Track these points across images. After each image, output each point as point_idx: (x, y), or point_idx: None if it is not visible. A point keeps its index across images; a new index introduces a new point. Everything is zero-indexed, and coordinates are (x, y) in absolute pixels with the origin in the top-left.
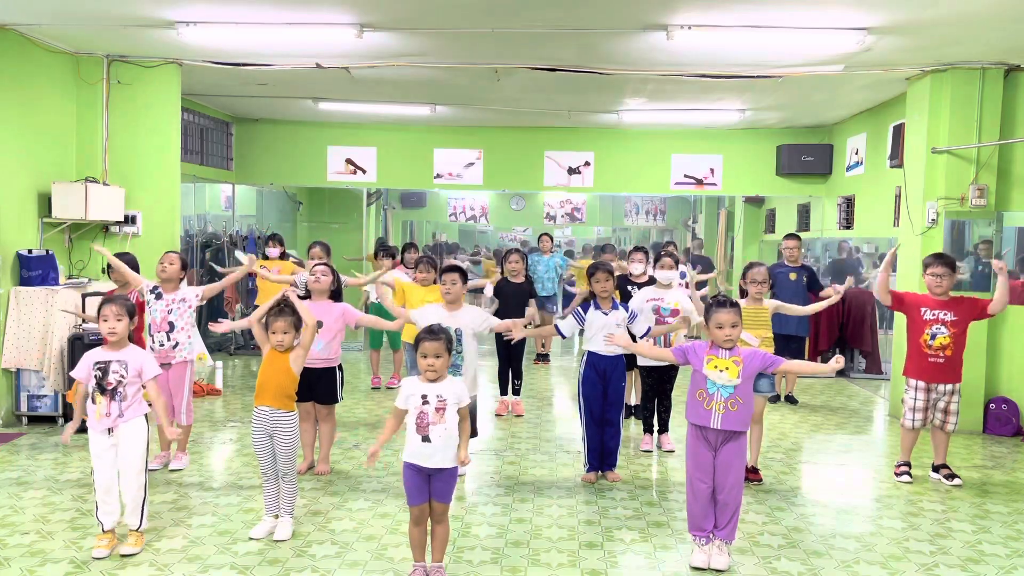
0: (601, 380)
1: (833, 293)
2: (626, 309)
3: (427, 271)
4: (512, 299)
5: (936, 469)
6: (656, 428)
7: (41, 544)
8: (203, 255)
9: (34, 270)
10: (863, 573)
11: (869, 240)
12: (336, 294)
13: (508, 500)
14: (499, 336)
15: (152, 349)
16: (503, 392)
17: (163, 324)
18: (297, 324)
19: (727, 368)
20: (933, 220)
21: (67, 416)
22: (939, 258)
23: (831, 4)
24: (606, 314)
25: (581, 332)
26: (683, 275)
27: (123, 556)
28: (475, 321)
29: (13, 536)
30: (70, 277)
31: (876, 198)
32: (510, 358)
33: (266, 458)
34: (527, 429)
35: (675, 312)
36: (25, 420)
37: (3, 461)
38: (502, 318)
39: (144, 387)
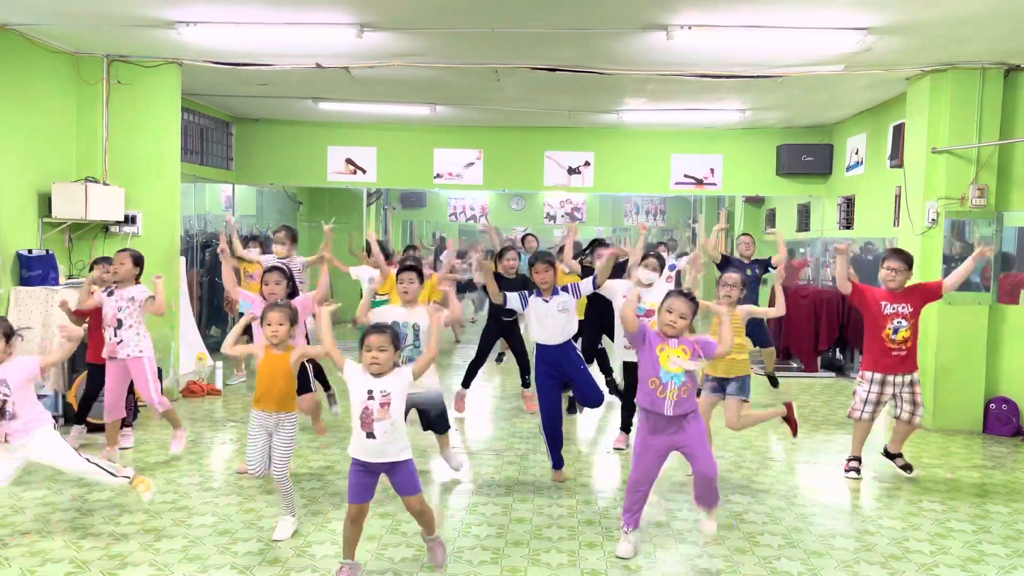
0: (557, 374)
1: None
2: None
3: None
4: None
5: (892, 457)
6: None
7: (41, 544)
8: (203, 255)
9: (34, 270)
10: (863, 573)
11: (869, 240)
12: (291, 294)
13: (508, 500)
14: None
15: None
16: (465, 385)
17: (112, 320)
18: (293, 317)
19: (679, 355)
20: (933, 220)
21: (67, 416)
22: (896, 253)
23: (831, 4)
24: (546, 301)
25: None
26: (672, 267)
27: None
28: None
29: (13, 536)
30: (70, 277)
31: (876, 198)
32: (515, 351)
33: (257, 458)
34: (527, 429)
35: (649, 313)
36: None
37: None
38: (493, 311)
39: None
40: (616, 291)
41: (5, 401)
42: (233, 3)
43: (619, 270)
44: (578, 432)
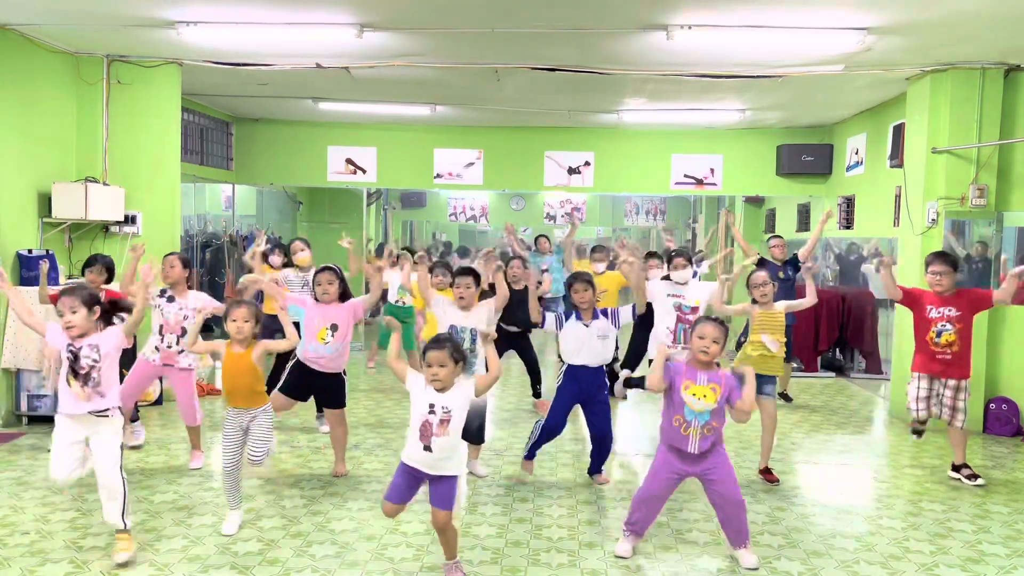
0: (579, 393)
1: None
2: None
3: (443, 275)
4: (511, 304)
5: (956, 469)
6: None
7: (41, 544)
8: (203, 255)
9: (34, 270)
10: (863, 573)
11: (868, 240)
12: (344, 295)
13: (508, 500)
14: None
15: (157, 348)
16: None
17: (176, 327)
18: (258, 316)
19: (704, 396)
20: (933, 220)
21: None
22: (940, 256)
23: (831, 4)
24: (587, 326)
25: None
26: (695, 274)
27: (119, 565)
28: (487, 319)
29: (13, 536)
30: (70, 277)
31: (876, 198)
32: (525, 362)
33: (232, 454)
34: (527, 429)
35: (695, 309)
36: (25, 420)
37: (3, 461)
38: (502, 323)
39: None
40: (654, 293)
41: (93, 367)
42: (233, 3)
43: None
44: (581, 431)
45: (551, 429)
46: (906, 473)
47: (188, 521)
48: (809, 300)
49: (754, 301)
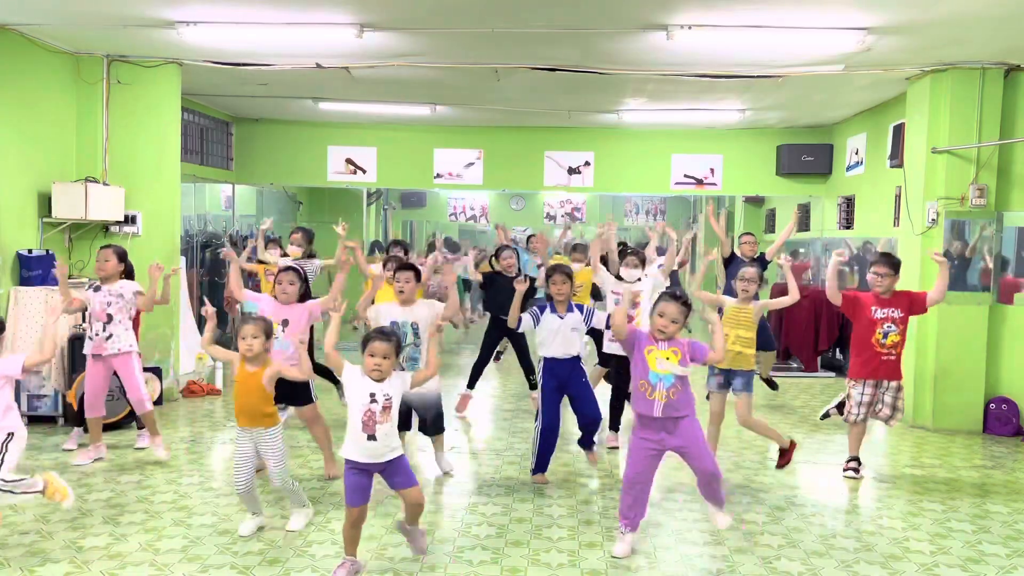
0: (560, 386)
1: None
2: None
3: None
4: (504, 292)
5: (849, 461)
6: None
7: (41, 544)
8: (203, 255)
9: (34, 270)
10: (863, 573)
11: (868, 240)
12: (304, 296)
13: (508, 500)
14: (495, 329)
15: (90, 339)
16: (469, 386)
17: (101, 315)
18: (267, 330)
19: (667, 357)
20: (933, 220)
21: (67, 416)
22: (884, 257)
23: (831, 4)
24: (561, 317)
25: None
26: (660, 265)
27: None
28: (431, 314)
29: (13, 536)
30: (70, 277)
31: (876, 198)
32: (517, 352)
33: (244, 475)
34: (528, 429)
35: (635, 305)
36: (25, 420)
37: None
38: (494, 311)
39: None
40: (603, 279)
41: None
42: (233, 3)
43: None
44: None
45: (547, 428)
46: (906, 473)
47: (187, 521)
48: (791, 298)
49: (730, 293)
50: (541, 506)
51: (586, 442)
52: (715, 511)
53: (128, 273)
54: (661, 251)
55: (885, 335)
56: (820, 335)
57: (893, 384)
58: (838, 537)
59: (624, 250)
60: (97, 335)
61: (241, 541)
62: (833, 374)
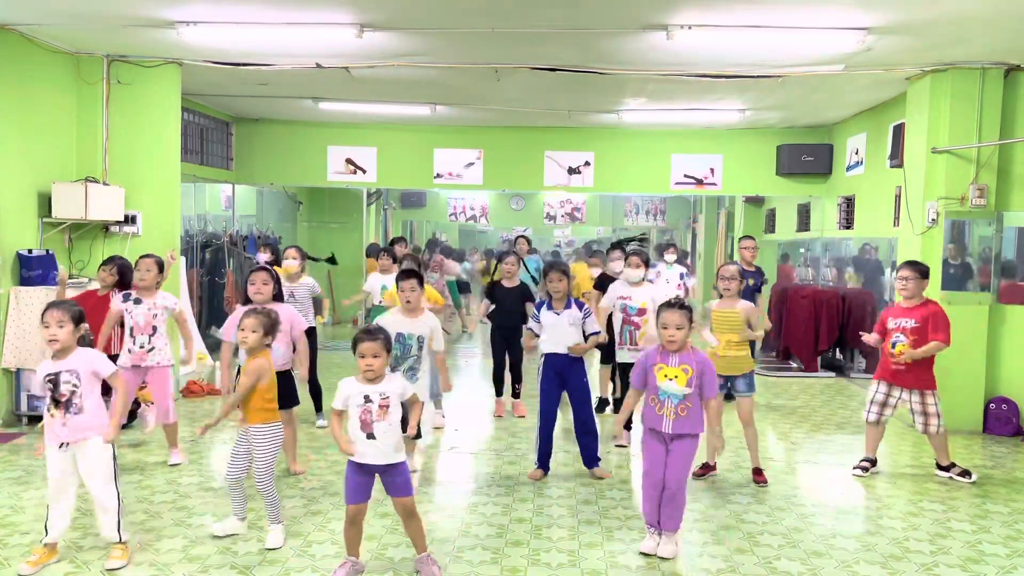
0: (559, 381)
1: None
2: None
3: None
4: (506, 303)
5: (944, 469)
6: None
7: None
8: (203, 255)
9: (34, 270)
10: (863, 573)
11: (868, 240)
12: (276, 297)
13: (508, 500)
14: (499, 337)
15: (129, 351)
16: (498, 393)
17: (147, 328)
18: (268, 327)
19: (676, 377)
20: (933, 220)
21: None
22: (909, 264)
23: (831, 4)
24: (558, 314)
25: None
26: (682, 275)
27: (109, 571)
28: (436, 329)
29: (13, 536)
30: (70, 277)
31: (876, 198)
32: (510, 361)
33: (235, 466)
34: (527, 430)
35: (641, 311)
36: (25, 420)
37: (3, 461)
38: (497, 322)
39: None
40: (611, 298)
41: (73, 392)
42: (233, 3)
43: (605, 284)
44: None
45: (544, 412)
46: (906, 473)
47: (188, 521)
48: (757, 335)
49: (717, 291)
50: (541, 506)
51: (589, 460)
52: (665, 536)
53: (124, 284)
54: (683, 256)
55: (893, 344)
56: (820, 335)
57: (914, 394)
58: (838, 537)
59: (626, 242)
60: (142, 347)
61: (241, 541)
62: (833, 374)
